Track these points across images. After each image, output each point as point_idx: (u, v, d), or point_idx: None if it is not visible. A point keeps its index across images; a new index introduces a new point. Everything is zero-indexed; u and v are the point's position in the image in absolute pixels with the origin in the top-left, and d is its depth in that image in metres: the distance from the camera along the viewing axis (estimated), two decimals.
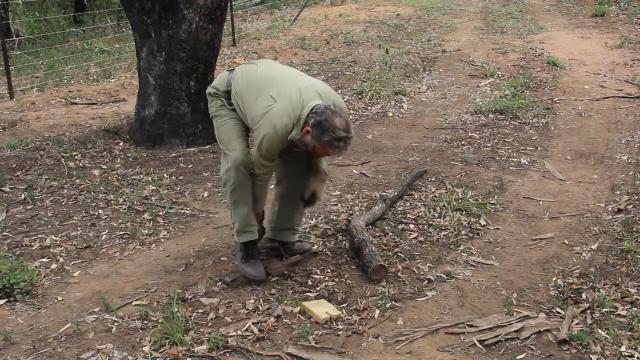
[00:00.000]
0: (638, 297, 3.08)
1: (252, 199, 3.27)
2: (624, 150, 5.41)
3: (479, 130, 6.05)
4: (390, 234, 3.88)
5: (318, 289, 3.21)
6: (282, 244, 3.55)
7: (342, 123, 2.92)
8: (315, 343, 2.74)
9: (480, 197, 4.40)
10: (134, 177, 4.92)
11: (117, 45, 11.18)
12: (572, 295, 3.13)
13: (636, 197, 4.35)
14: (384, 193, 4.48)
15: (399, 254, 3.61)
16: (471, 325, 2.87)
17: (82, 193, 4.59)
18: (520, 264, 3.51)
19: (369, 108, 6.90)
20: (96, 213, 4.26)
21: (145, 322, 2.94)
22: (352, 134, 2.97)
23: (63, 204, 4.43)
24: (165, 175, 4.97)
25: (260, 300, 3.11)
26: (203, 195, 4.59)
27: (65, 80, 8.56)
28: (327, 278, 3.33)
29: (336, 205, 4.36)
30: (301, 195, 3.38)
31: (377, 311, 2.99)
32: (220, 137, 3.30)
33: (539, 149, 5.52)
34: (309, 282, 3.29)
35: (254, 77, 3.18)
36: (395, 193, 4.38)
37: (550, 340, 2.76)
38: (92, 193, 4.59)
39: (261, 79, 3.15)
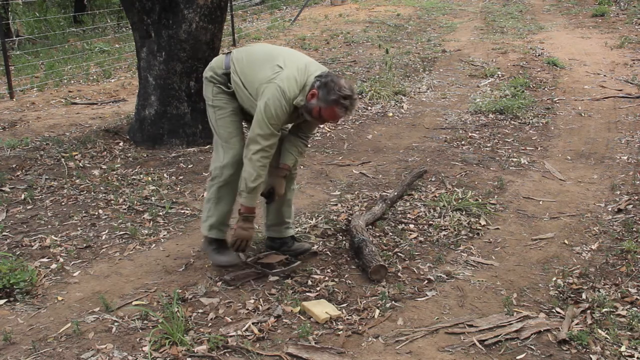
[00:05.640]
0: (638, 297, 3.08)
1: (234, 200, 3.33)
2: (624, 150, 5.41)
3: (479, 130, 6.05)
4: (390, 234, 3.88)
5: (318, 289, 3.21)
6: (281, 242, 3.55)
7: (347, 83, 3.01)
8: (315, 343, 2.74)
9: (480, 197, 4.40)
10: (134, 177, 4.92)
11: (117, 45, 11.18)
12: (572, 295, 3.13)
13: (636, 197, 4.35)
14: (384, 193, 4.48)
15: (399, 254, 3.61)
16: (471, 325, 2.87)
17: (82, 193, 4.59)
18: (520, 264, 3.51)
19: (369, 108, 6.90)
20: (96, 213, 4.26)
21: (145, 322, 2.94)
22: (356, 95, 3.02)
23: (63, 204, 4.43)
24: (165, 175, 4.97)
25: (260, 300, 3.11)
26: (203, 195, 4.58)
27: (65, 80, 8.56)
28: (327, 278, 3.33)
29: (336, 205, 4.36)
30: (262, 192, 3.35)
31: (377, 311, 2.99)
32: (218, 131, 3.28)
33: (539, 149, 5.52)
34: (309, 282, 3.29)
35: (255, 54, 3.19)
36: (395, 193, 4.38)
37: (550, 340, 2.76)
38: (92, 193, 4.59)
39: (264, 55, 3.16)
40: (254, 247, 3.70)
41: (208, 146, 5.64)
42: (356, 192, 4.58)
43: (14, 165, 5.09)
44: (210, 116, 3.33)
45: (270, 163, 3.18)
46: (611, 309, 2.97)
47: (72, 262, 3.59)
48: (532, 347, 2.71)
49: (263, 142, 3.02)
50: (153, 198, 4.51)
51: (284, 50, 3.24)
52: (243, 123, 3.36)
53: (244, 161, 3.10)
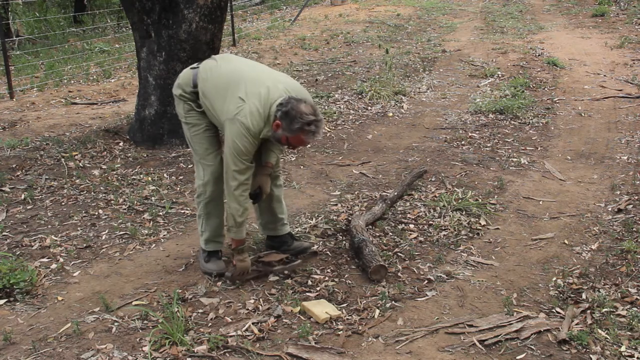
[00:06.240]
0: (638, 297, 3.08)
1: (224, 210, 3.36)
2: (624, 150, 5.41)
3: (479, 130, 6.05)
4: (390, 234, 3.88)
5: (318, 289, 3.21)
6: (280, 242, 3.55)
7: (308, 108, 2.95)
8: (315, 343, 2.74)
9: (480, 197, 4.40)
10: (134, 177, 4.92)
11: (117, 45, 11.18)
12: (572, 295, 3.13)
13: (636, 197, 4.35)
14: (384, 193, 4.48)
15: (399, 254, 3.61)
16: (471, 325, 2.87)
17: (82, 193, 4.59)
18: (520, 264, 3.51)
19: (369, 108, 6.90)
20: (96, 213, 4.26)
21: (145, 322, 2.94)
22: (320, 116, 2.98)
23: (63, 204, 4.43)
24: (165, 175, 4.97)
25: (260, 300, 3.11)
26: None
27: (65, 80, 8.56)
28: (327, 278, 3.33)
29: (336, 205, 4.36)
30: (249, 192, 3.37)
31: (377, 311, 2.99)
32: (194, 147, 3.32)
33: (539, 149, 5.52)
34: (309, 282, 3.29)
35: (219, 77, 3.14)
36: (395, 193, 4.38)
37: (550, 340, 2.76)
38: (92, 193, 4.59)
39: (227, 78, 3.11)
40: (254, 247, 3.71)
41: None
42: (356, 192, 4.58)
43: (14, 165, 5.09)
44: (185, 132, 3.37)
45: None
46: (611, 309, 2.97)
47: (72, 262, 3.59)
48: (532, 347, 2.71)
49: (240, 177, 3.07)
50: (153, 198, 4.51)
51: (246, 71, 3.14)
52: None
53: (227, 196, 3.14)
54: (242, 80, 3.07)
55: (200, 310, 3.04)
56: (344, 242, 3.77)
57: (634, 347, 2.68)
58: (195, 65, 3.30)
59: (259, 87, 3.02)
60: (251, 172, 3.14)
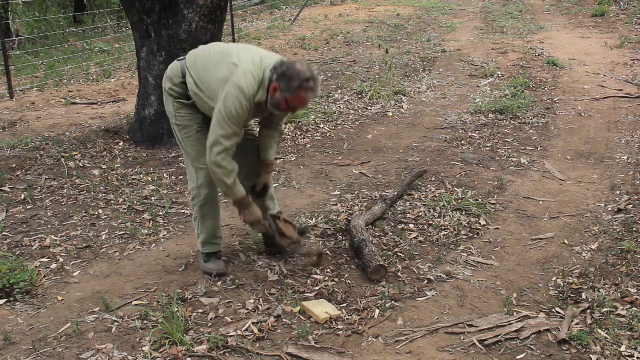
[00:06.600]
0: (638, 297, 3.08)
1: (219, 212, 3.37)
2: (624, 150, 5.41)
3: (479, 130, 6.05)
4: (390, 234, 3.88)
5: (318, 289, 3.21)
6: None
7: (303, 66, 2.94)
8: (315, 343, 2.74)
9: (480, 197, 4.40)
10: (134, 177, 4.92)
11: (117, 45, 11.18)
12: (572, 295, 3.13)
13: (636, 197, 4.35)
14: (384, 193, 4.48)
15: (399, 254, 3.61)
16: (471, 325, 2.87)
17: (82, 193, 4.59)
18: (520, 264, 3.51)
19: (369, 108, 6.90)
20: (96, 213, 4.26)
21: (145, 322, 2.94)
22: (316, 74, 2.96)
23: (63, 204, 4.43)
24: (165, 175, 4.97)
25: (260, 300, 3.11)
26: None
27: (65, 80, 8.56)
28: (327, 278, 3.33)
29: (336, 205, 4.36)
30: (252, 187, 3.36)
31: (377, 311, 2.99)
32: (187, 150, 3.25)
33: (539, 149, 5.52)
34: (309, 282, 3.29)
35: (209, 57, 3.12)
36: (395, 193, 4.38)
37: (550, 340, 2.76)
38: (92, 193, 4.59)
39: (218, 55, 3.09)
40: (254, 247, 3.71)
41: None
42: (356, 192, 4.58)
43: (14, 165, 5.09)
44: (175, 134, 3.30)
45: (254, 161, 3.25)
46: (611, 309, 2.96)
47: (72, 262, 3.59)
48: (532, 347, 2.71)
49: (226, 143, 2.96)
50: (153, 198, 4.51)
51: (237, 46, 3.17)
52: None
53: (209, 166, 3.03)
54: (233, 52, 3.05)
55: (200, 310, 3.04)
56: (344, 242, 3.77)
57: (634, 347, 2.68)
58: (182, 57, 3.26)
59: (252, 55, 3.02)
60: (237, 140, 3.02)
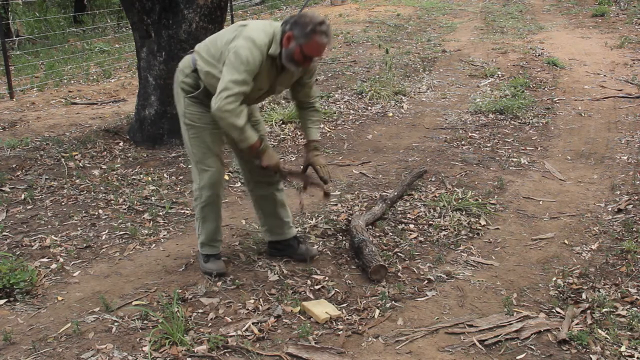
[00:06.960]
0: (638, 297, 3.08)
1: (220, 215, 3.37)
2: (624, 150, 5.41)
3: (479, 130, 6.05)
4: (390, 234, 3.88)
5: (318, 288, 3.21)
6: (285, 246, 3.54)
7: (312, 14, 2.95)
8: (315, 343, 2.74)
9: (480, 197, 4.40)
10: (134, 177, 4.92)
11: (117, 45, 11.18)
12: (572, 295, 3.13)
13: (636, 197, 4.35)
14: (384, 193, 4.48)
15: (399, 254, 3.61)
16: (471, 325, 2.87)
17: (82, 193, 4.59)
18: (520, 264, 3.51)
19: (369, 108, 6.90)
20: (96, 213, 4.26)
21: (145, 322, 2.94)
22: (327, 19, 2.97)
23: (63, 204, 4.43)
24: (165, 175, 4.97)
25: (260, 300, 3.11)
26: None
27: (65, 80, 8.56)
28: (327, 278, 3.33)
29: (336, 205, 4.36)
30: (318, 185, 3.32)
31: (377, 311, 2.99)
32: (193, 150, 3.22)
33: (539, 149, 5.52)
34: (309, 282, 3.29)
35: (216, 35, 3.13)
36: (395, 193, 4.38)
37: (550, 340, 2.76)
38: (92, 193, 4.59)
39: (225, 30, 3.09)
40: (254, 247, 3.71)
41: None
42: (356, 192, 4.58)
43: (14, 165, 5.09)
44: (183, 134, 3.27)
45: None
46: (611, 309, 2.97)
47: (72, 262, 3.59)
48: (532, 347, 2.71)
49: (235, 88, 2.84)
50: (153, 198, 4.51)
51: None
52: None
53: (215, 115, 2.91)
54: (241, 24, 3.05)
55: (200, 310, 3.04)
56: (344, 242, 3.76)
57: (634, 347, 2.68)
58: (192, 50, 3.23)
59: (260, 23, 3.02)
60: (246, 91, 2.90)
